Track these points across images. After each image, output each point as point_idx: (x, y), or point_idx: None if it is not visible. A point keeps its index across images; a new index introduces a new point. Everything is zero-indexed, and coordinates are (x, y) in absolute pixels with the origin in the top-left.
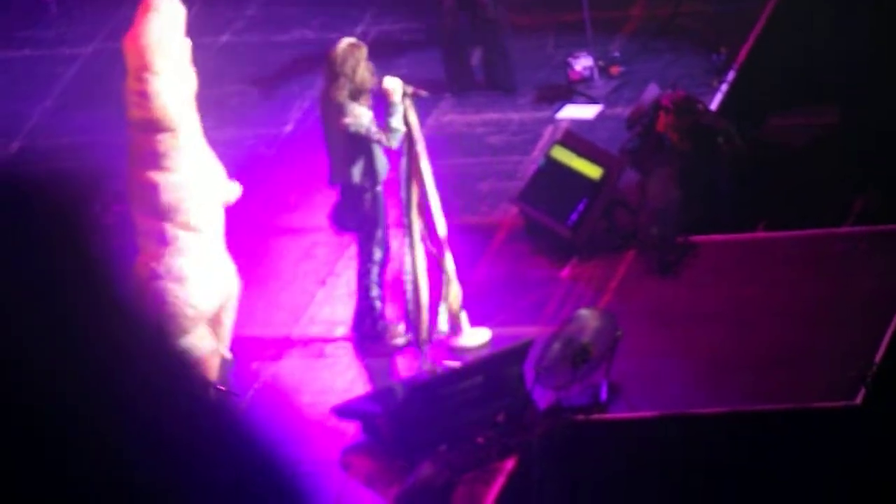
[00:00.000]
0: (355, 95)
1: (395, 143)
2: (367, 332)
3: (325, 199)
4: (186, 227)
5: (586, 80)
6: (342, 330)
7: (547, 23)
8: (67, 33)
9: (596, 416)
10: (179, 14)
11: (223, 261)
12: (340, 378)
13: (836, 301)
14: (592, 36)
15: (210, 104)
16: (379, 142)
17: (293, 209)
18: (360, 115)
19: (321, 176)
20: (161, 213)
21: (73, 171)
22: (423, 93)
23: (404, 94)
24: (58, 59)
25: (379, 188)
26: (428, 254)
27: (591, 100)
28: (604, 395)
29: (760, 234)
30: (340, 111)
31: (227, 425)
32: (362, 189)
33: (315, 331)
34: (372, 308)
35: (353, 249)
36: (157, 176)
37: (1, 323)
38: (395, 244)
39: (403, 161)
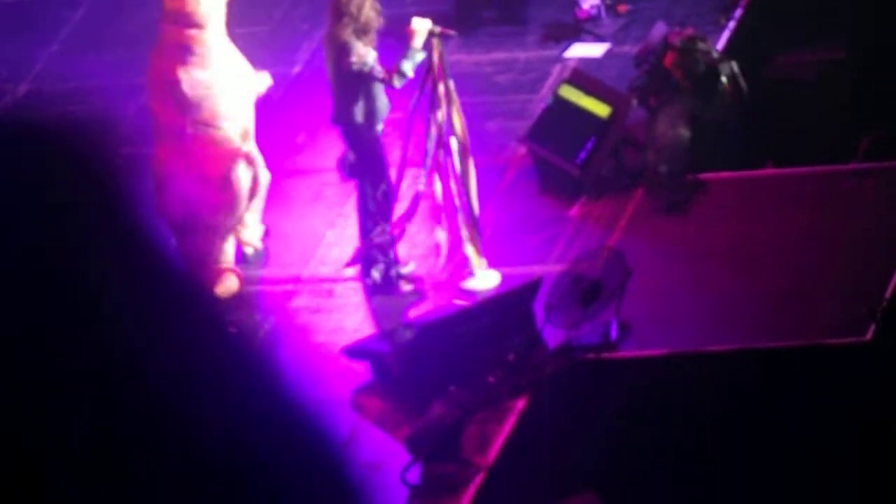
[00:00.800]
0: (360, 35)
1: (398, 84)
2: (381, 281)
3: (334, 141)
4: (206, 123)
5: (594, 18)
6: (351, 271)
7: None
8: None
9: (606, 355)
10: None
11: (251, 154)
12: (350, 318)
13: (845, 238)
14: None
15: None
16: (383, 81)
17: (301, 150)
18: (364, 55)
19: (329, 117)
20: (183, 107)
21: (81, 115)
22: (452, 32)
23: (431, 34)
24: (64, 2)
25: (379, 128)
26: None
27: (599, 38)
28: (614, 333)
29: (768, 172)
30: (344, 50)
31: (248, 359)
32: (363, 129)
33: (325, 271)
34: (378, 251)
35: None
36: (182, 71)
37: (22, 262)
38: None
39: (429, 98)
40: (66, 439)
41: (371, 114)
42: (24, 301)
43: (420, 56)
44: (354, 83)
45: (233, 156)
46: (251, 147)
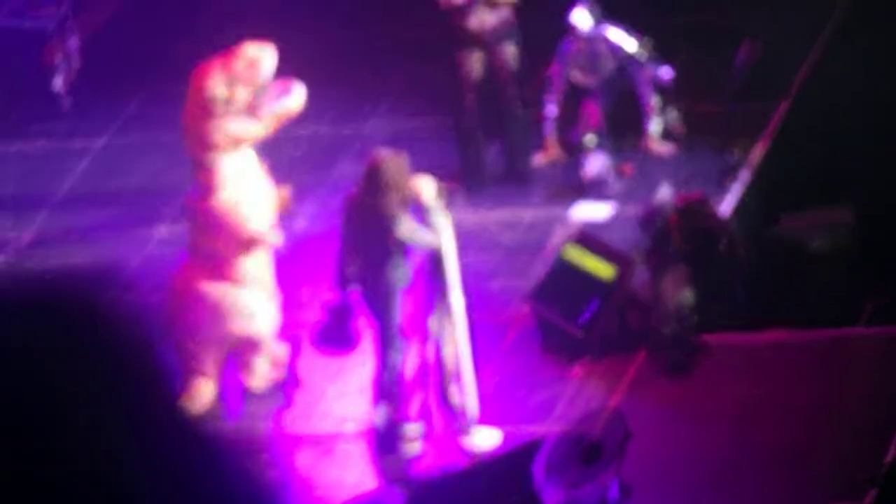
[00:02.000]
0: (403, 205)
1: (438, 240)
2: (385, 438)
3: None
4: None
5: (599, 179)
6: (352, 426)
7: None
8: (80, 127)
9: None
10: (265, 64)
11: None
12: (350, 474)
13: (847, 401)
14: (607, 134)
15: None
16: (430, 245)
17: (304, 306)
18: (413, 225)
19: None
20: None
21: (84, 264)
22: (457, 187)
23: (439, 191)
24: (70, 153)
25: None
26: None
27: (604, 199)
28: (614, 494)
29: (773, 335)
30: (390, 222)
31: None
32: (393, 293)
33: (326, 426)
34: (390, 412)
35: (364, 343)
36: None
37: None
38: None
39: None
40: None
41: (403, 278)
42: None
43: (438, 208)
44: (391, 251)
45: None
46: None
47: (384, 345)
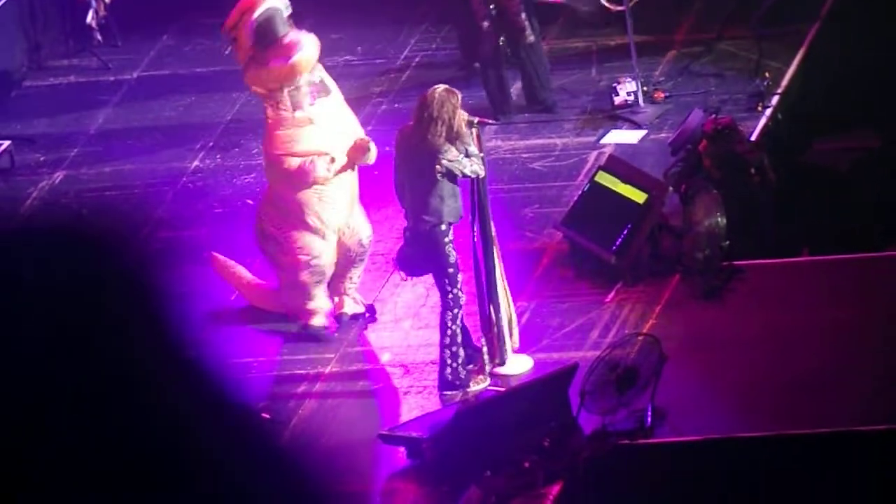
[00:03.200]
0: (452, 139)
1: (483, 170)
2: (451, 380)
3: (372, 226)
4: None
5: (631, 105)
6: (387, 356)
7: (591, 47)
8: (112, 61)
9: (641, 441)
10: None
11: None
12: (386, 404)
13: (880, 324)
14: (637, 61)
15: (257, 129)
16: (475, 174)
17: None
18: (458, 156)
19: (368, 200)
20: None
21: (118, 200)
22: (491, 121)
23: (471, 124)
24: (102, 87)
25: (451, 231)
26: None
27: (636, 125)
28: (649, 419)
29: (804, 259)
30: (437, 153)
31: (267, 454)
32: (445, 230)
33: (361, 356)
34: (457, 355)
35: (398, 275)
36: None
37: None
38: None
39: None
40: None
41: (454, 213)
42: (49, 382)
43: (472, 137)
44: (440, 185)
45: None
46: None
47: (445, 281)
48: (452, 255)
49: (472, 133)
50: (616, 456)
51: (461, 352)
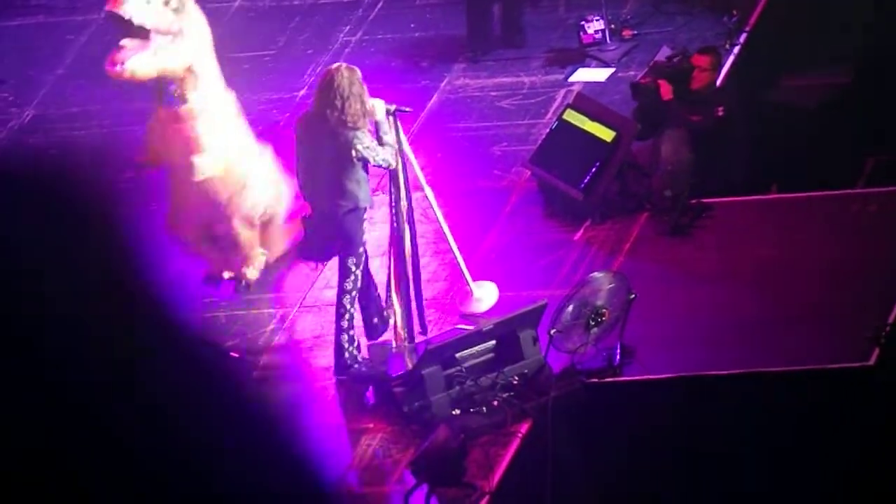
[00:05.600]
0: (360, 121)
1: (395, 161)
2: (349, 364)
3: None
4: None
5: (598, 42)
6: None
7: None
8: (79, 1)
9: (610, 379)
10: None
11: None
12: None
13: (850, 261)
14: None
15: (224, 69)
16: (387, 164)
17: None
18: (373, 141)
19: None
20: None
21: (86, 139)
22: (407, 108)
23: (388, 112)
24: (70, 27)
25: (366, 213)
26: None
27: (604, 63)
28: (618, 357)
29: (773, 196)
30: (353, 138)
31: (234, 392)
32: (361, 214)
33: (328, 295)
34: (353, 339)
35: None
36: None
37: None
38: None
39: (393, 175)
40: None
41: (367, 197)
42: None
43: (389, 126)
44: (351, 168)
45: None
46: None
47: (352, 262)
48: (363, 237)
49: (389, 121)
50: (585, 394)
51: (355, 334)
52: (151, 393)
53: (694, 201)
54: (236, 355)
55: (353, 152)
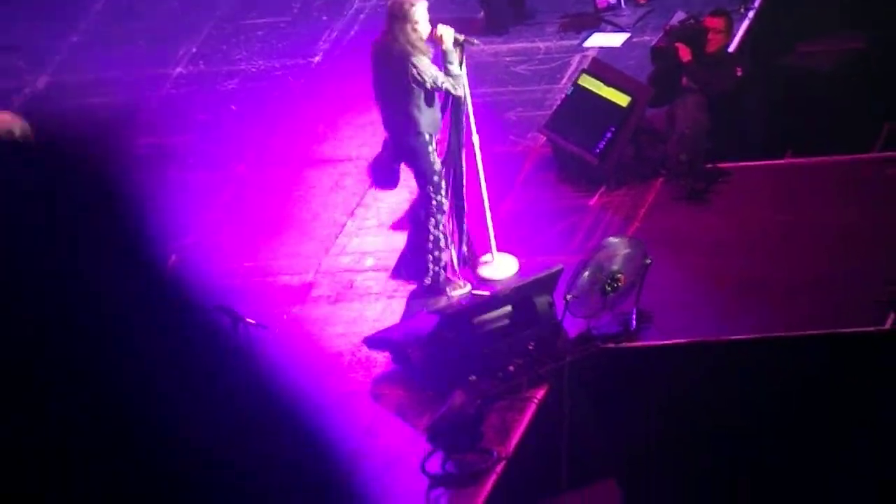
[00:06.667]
0: (420, 46)
1: (460, 89)
2: (431, 285)
3: (354, 131)
4: None
5: (613, 7)
6: (371, 261)
7: None
8: None
9: (626, 344)
10: None
11: None
12: (370, 308)
13: (866, 226)
14: None
15: (239, 35)
16: (447, 90)
17: (322, 140)
18: (429, 66)
19: (350, 107)
20: None
21: (100, 107)
22: (475, 41)
23: (456, 42)
24: None
25: (437, 137)
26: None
27: (619, 28)
28: (634, 323)
29: (788, 161)
30: (407, 62)
31: (249, 361)
32: (427, 140)
33: (345, 262)
34: (439, 260)
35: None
36: None
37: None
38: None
39: (455, 105)
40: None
41: (433, 123)
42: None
43: (457, 55)
44: (416, 94)
45: None
46: None
47: (429, 189)
48: (437, 163)
49: (456, 51)
50: (601, 359)
51: (443, 256)
52: (154, 357)
53: (709, 166)
54: (252, 321)
55: (409, 77)
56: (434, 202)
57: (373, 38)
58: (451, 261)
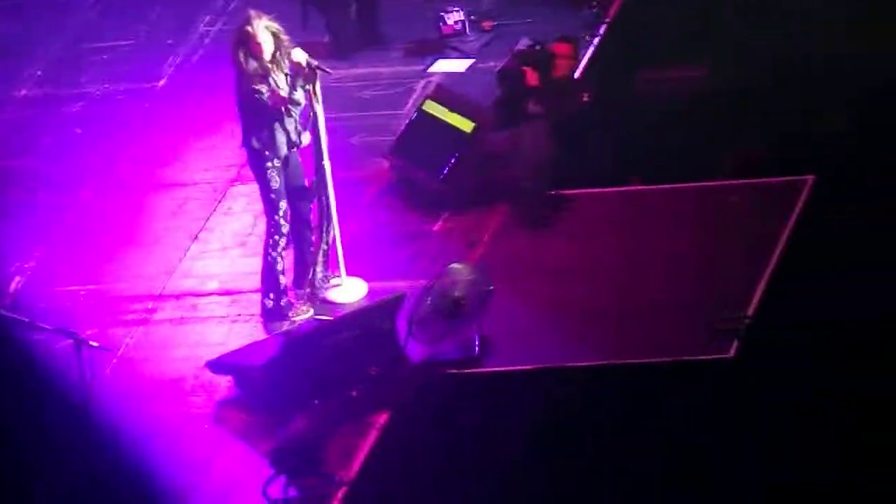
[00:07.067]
0: (265, 66)
1: (296, 112)
2: (272, 308)
3: (198, 154)
4: None
5: (458, 34)
6: (215, 284)
7: None
8: None
9: (469, 370)
10: None
11: None
12: (213, 332)
13: (710, 254)
14: None
15: (85, 58)
16: (278, 109)
17: (166, 164)
18: (262, 86)
19: (194, 130)
20: None
21: None
22: (328, 70)
23: (308, 67)
24: None
25: (278, 160)
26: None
27: (463, 54)
28: (476, 348)
29: (633, 187)
30: (246, 79)
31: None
32: (264, 158)
33: (188, 285)
34: (278, 282)
35: (225, 204)
36: None
37: None
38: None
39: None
40: None
41: (271, 144)
42: None
43: (304, 84)
44: (256, 112)
45: None
46: None
47: (267, 208)
48: (275, 182)
49: (307, 77)
50: (444, 384)
51: (282, 279)
52: None
53: (553, 192)
54: (95, 344)
55: (245, 96)
56: (271, 222)
57: (217, 62)
58: (304, 281)
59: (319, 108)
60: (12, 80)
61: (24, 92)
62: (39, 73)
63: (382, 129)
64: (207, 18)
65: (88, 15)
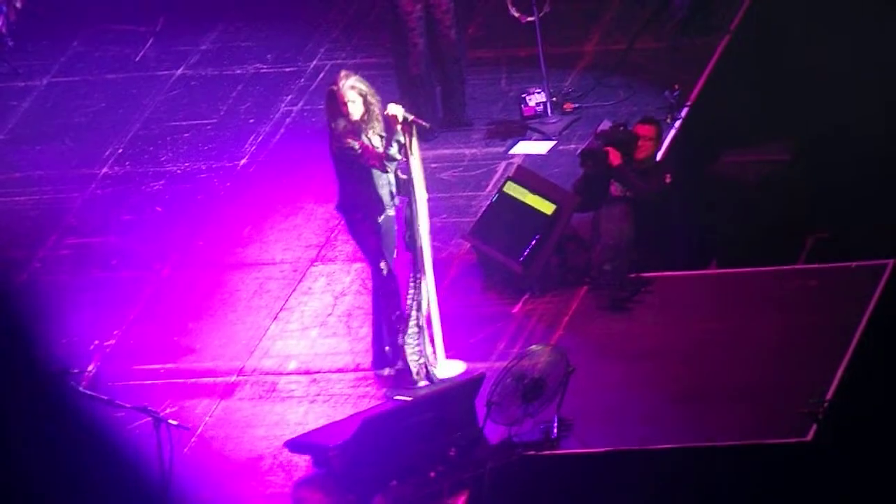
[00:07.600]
0: (357, 124)
1: (390, 168)
2: (389, 364)
3: (278, 234)
4: None
5: (540, 115)
6: (294, 364)
7: (501, 58)
8: (22, 66)
9: (547, 452)
10: None
11: None
12: (292, 412)
13: (789, 337)
14: (546, 72)
15: (166, 136)
16: (373, 166)
17: (247, 243)
18: (353, 142)
19: (275, 210)
20: None
21: (27, 206)
22: (425, 123)
23: (405, 122)
24: (12, 92)
25: (381, 219)
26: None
27: (545, 135)
28: (555, 431)
29: (713, 271)
30: (336, 136)
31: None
32: (362, 218)
33: (267, 364)
34: (395, 341)
35: (305, 284)
36: None
37: None
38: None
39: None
40: None
41: (370, 203)
42: None
43: (401, 139)
44: (351, 171)
45: None
46: None
47: (373, 274)
48: (372, 244)
49: (398, 129)
50: (521, 467)
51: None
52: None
53: (633, 275)
54: (174, 423)
55: (340, 155)
56: (381, 278)
57: (299, 141)
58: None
59: (416, 163)
60: (95, 158)
61: (105, 170)
62: (121, 150)
63: (463, 211)
64: (289, 98)
65: (171, 93)
